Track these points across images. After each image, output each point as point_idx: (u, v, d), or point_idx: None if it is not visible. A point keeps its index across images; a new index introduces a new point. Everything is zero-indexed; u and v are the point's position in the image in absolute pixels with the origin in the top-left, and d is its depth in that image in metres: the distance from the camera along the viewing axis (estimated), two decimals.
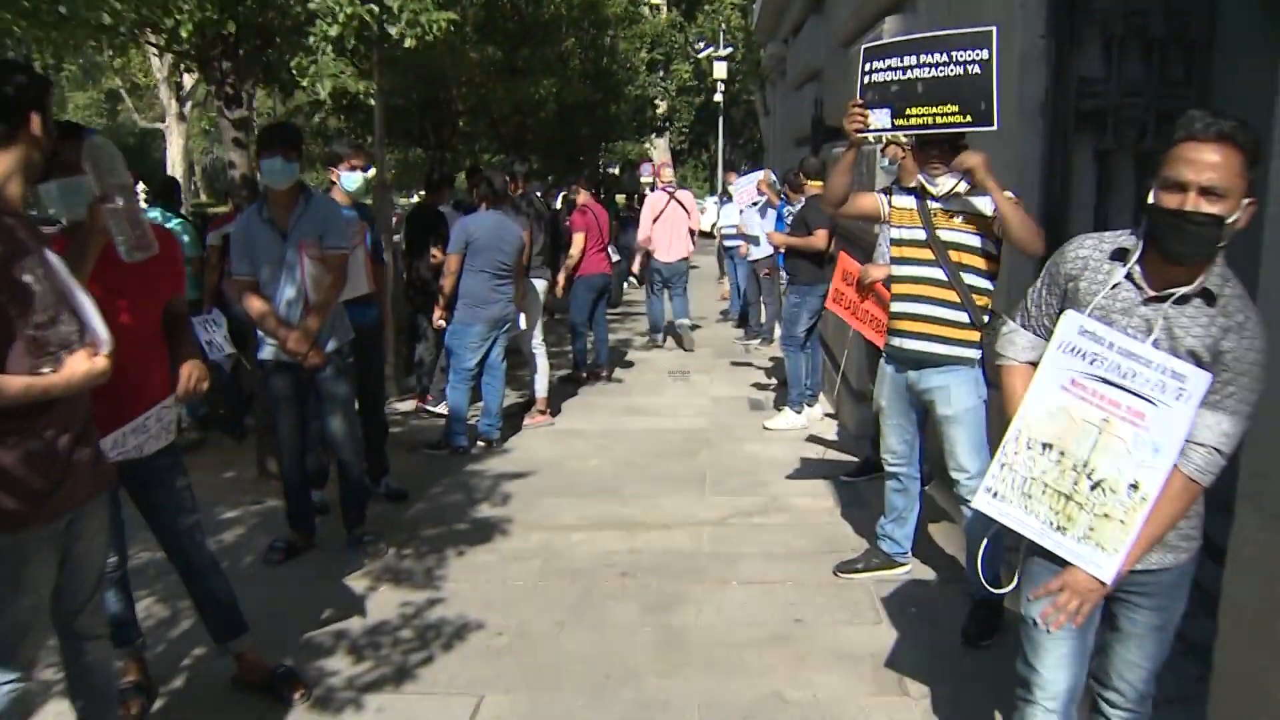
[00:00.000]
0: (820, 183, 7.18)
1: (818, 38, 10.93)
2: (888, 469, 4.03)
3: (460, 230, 6.53)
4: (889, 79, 3.55)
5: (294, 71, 5.41)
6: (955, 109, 3.42)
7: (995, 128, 3.39)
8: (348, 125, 10.09)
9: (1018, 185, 3.74)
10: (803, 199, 7.48)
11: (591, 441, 6.76)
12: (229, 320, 5.80)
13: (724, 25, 27.80)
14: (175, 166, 24.34)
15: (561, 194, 18.69)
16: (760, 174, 10.00)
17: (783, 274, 7.65)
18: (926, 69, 3.47)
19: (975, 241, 3.58)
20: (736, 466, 6.07)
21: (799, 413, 7.12)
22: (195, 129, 28.18)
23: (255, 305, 4.29)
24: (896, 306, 3.77)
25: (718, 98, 26.70)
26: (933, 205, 3.65)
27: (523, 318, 6.98)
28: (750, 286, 11.51)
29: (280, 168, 4.15)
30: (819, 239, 6.90)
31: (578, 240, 8.69)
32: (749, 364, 9.77)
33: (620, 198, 19.61)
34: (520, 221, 6.77)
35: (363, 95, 5.30)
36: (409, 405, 7.79)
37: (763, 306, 10.94)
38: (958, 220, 3.59)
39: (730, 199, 12.37)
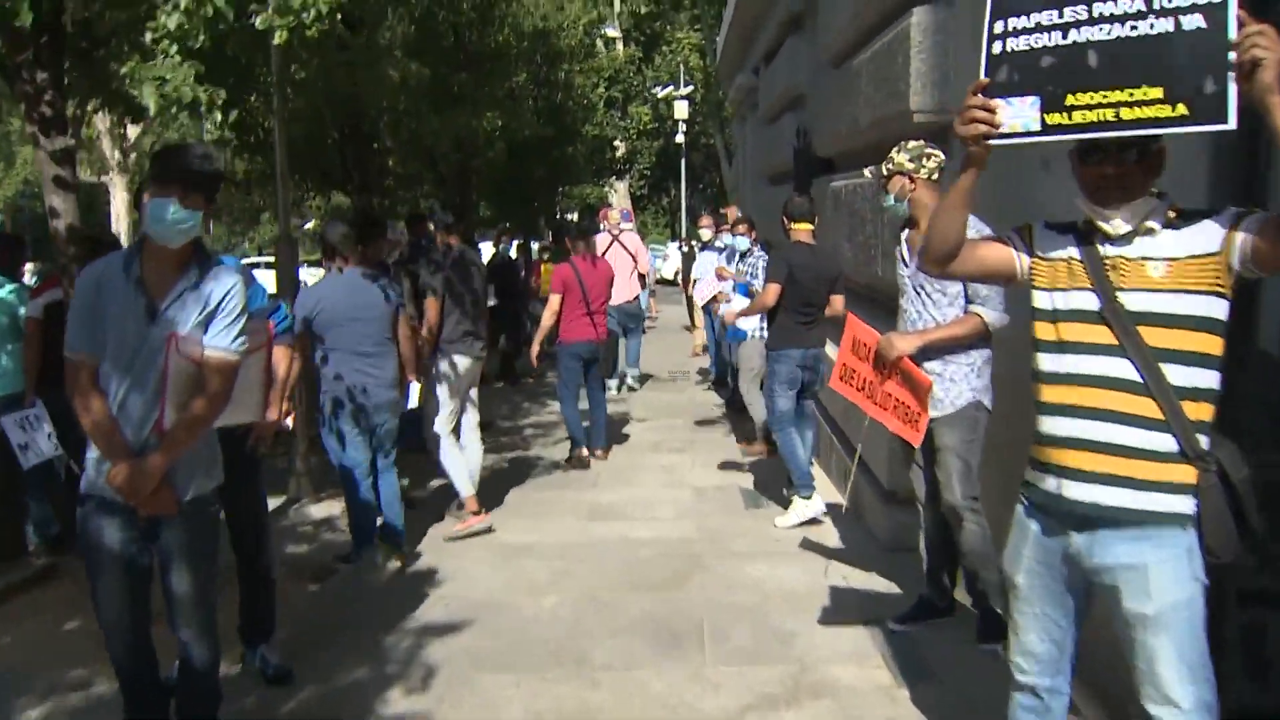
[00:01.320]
0: (808, 226, 5.82)
1: (798, 60, 9.61)
2: (1018, 677, 2.50)
3: (302, 303, 5.06)
4: (1037, 47, 2.10)
5: (130, 79, 3.86)
6: (1159, 93, 1.98)
7: (1231, 125, 1.94)
8: (253, 164, 8.52)
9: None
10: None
11: (546, 562, 5.19)
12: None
13: (683, 65, 26.73)
14: (120, 221, 22.56)
15: (516, 243, 17.30)
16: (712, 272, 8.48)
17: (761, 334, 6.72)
18: (1105, 27, 2.03)
19: (1189, 307, 2.12)
20: (741, 604, 4.52)
21: (808, 498, 5.79)
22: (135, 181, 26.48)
23: (88, 406, 2.77)
24: (1049, 424, 2.27)
25: (680, 139, 25.49)
26: (1108, 253, 2.19)
27: (440, 391, 5.49)
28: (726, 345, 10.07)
29: (174, 215, 2.71)
30: (766, 297, 5.81)
31: (553, 303, 7.34)
32: (733, 435, 8.34)
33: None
34: (389, 289, 5.19)
35: (207, 106, 3.73)
36: (325, 509, 6.18)
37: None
38: (1154, 274, 2.14)
39: (705, 246, 11.01)
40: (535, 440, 8.39)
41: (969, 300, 3.82)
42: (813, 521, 5.73)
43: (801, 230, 5.81)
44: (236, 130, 6.81)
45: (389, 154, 9.12)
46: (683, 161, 25.68)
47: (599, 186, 20.29)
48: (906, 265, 4.03)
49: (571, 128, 15.44)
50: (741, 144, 16.35)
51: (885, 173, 4.01)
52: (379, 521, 5.27)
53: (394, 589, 4.88)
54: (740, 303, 7.11)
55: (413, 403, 5.49)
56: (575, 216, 29.49)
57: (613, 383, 10.19)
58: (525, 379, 11.73)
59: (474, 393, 6.12)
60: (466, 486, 5.76)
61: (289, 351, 4.19)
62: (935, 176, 3.93)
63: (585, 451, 7.43)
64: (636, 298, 10.36)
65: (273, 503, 5.34)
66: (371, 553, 5.16)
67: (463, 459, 5.83)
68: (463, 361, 5.85)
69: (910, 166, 3.93)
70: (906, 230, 4.11)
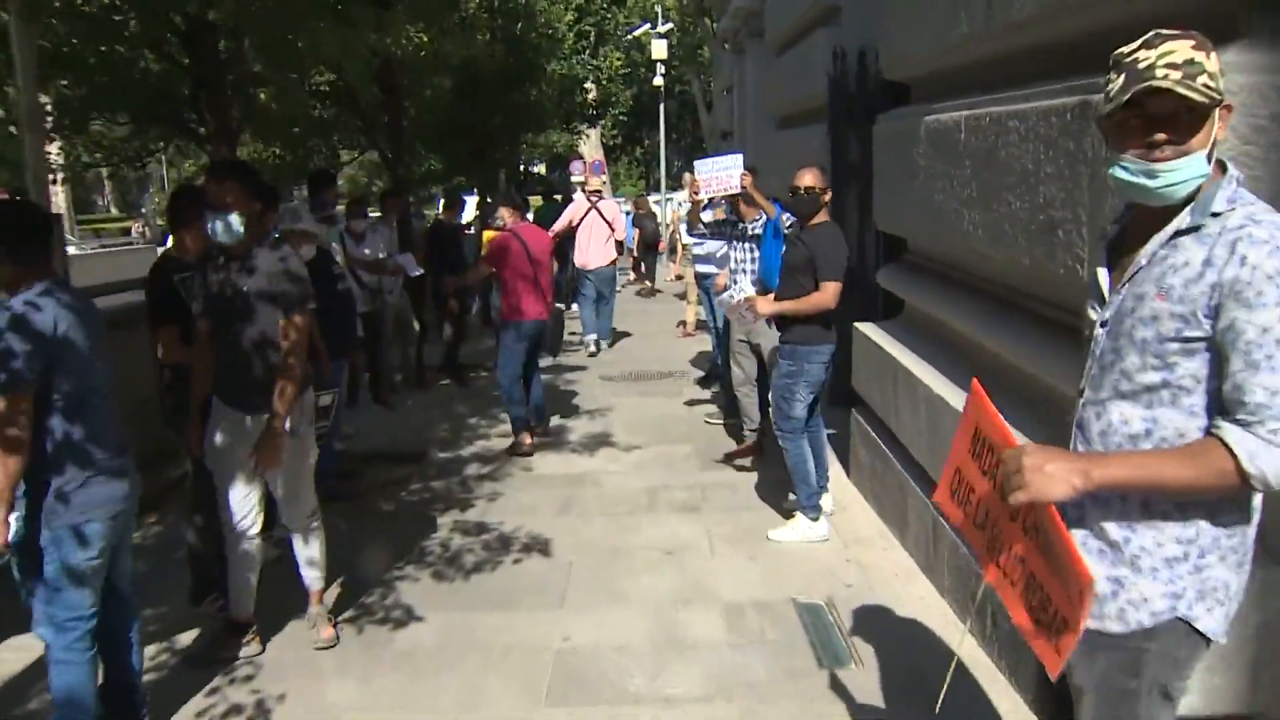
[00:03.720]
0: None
1: None
2: None
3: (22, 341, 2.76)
4: None
5: None
6: None
7: None
8: None
9: None
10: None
11: None
12: None
13: (659, 3, 23.94)
14: None
15: (473, 201, 14.71)
16: (736, 158, 6.04)
17: (765, 326, 5.47)
18: None
19: None
20: None
21: (815, 519, 4.96)
22: None
23: None
24: None
25: (658, 81, 22.75)
26: None
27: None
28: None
29: None
30: (826, 296, 4.78)
31: (478, 272, 7.28)
32: (744, 466, 5.96)
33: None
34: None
35: None
36: None
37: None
38: None
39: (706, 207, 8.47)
40: (483, 497, 5.93)
41: (1227, 406, 1.69)
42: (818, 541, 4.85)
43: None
44: None
45: (253, 84, 6.48)
46: (660, 107, 22.96)
47: (568, 133, 17.54)
48: (1107, 304, 1.85)
49: (534, 63, 12.79)
50: (738, 82, 13.75)
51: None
52: None
53: None
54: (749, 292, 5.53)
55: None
56: (542, 169, 26.80)
57: (591, 338, 10.37)
58: (474, 373, 9.26)
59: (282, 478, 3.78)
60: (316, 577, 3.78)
61: None
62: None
63: (528, 439, 6.66)
64: (613, 262, 10.48)
65: None
66: None
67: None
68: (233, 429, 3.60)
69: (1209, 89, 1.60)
70: (1116, 226, 1.92)
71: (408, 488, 6.04)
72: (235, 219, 3.46)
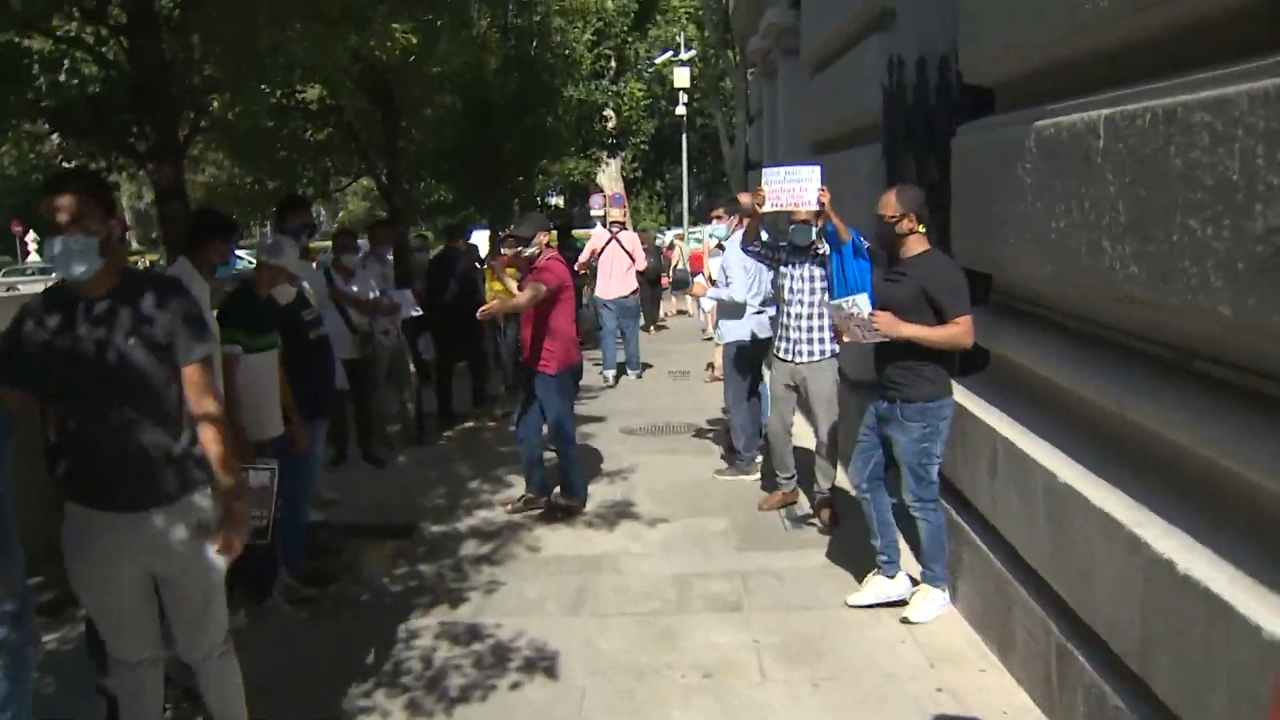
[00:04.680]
0: None
1: None
2: None
3: None
4: None
5: None
6: None
7: None
8: None
9: None
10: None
11: None
12: None
13: (682, 32, 23.20)
14: None
15: (481, 234, 13.84)
16: (814, 170, 5.14)
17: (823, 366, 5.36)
18: None
19: None
20: None
21: (894, 576, 4.40)
22: None
23: None
24: None
25: (680, 110, 21.91)
26: None
27: None
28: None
29: None
30: (962, 330, 3.96)
31: (536, 293, 5.52)
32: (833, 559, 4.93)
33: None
34: None
35: None
36: None
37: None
38: None
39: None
40: (479, 587, 4.94)
41: None
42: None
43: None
44: None
45: (199, 95, 5.54)
46: (683, 137, 22.09)
47: (585, 160, 16.63)
48: None
49: (551, 86, 11.93)
50: (768, 108, 12.86)
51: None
52: None
53: None
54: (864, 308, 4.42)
55: None
56: (560, 201, 25.98)
57: (610, 372, 10.29)
58: (487, 420, 8.33)
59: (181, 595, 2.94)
60: None
61: None
62: None
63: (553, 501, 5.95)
64: (634, 293, 10.48)
65: None
66: None
67: None
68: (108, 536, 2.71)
69: None
70: None
71: (391, 571, 5.06)
72: (86, 243, 2.51)
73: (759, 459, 6.51)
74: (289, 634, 4.29)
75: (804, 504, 5.76)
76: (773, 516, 5.66)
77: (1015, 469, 3.56)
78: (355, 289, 6.98)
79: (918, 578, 4.34)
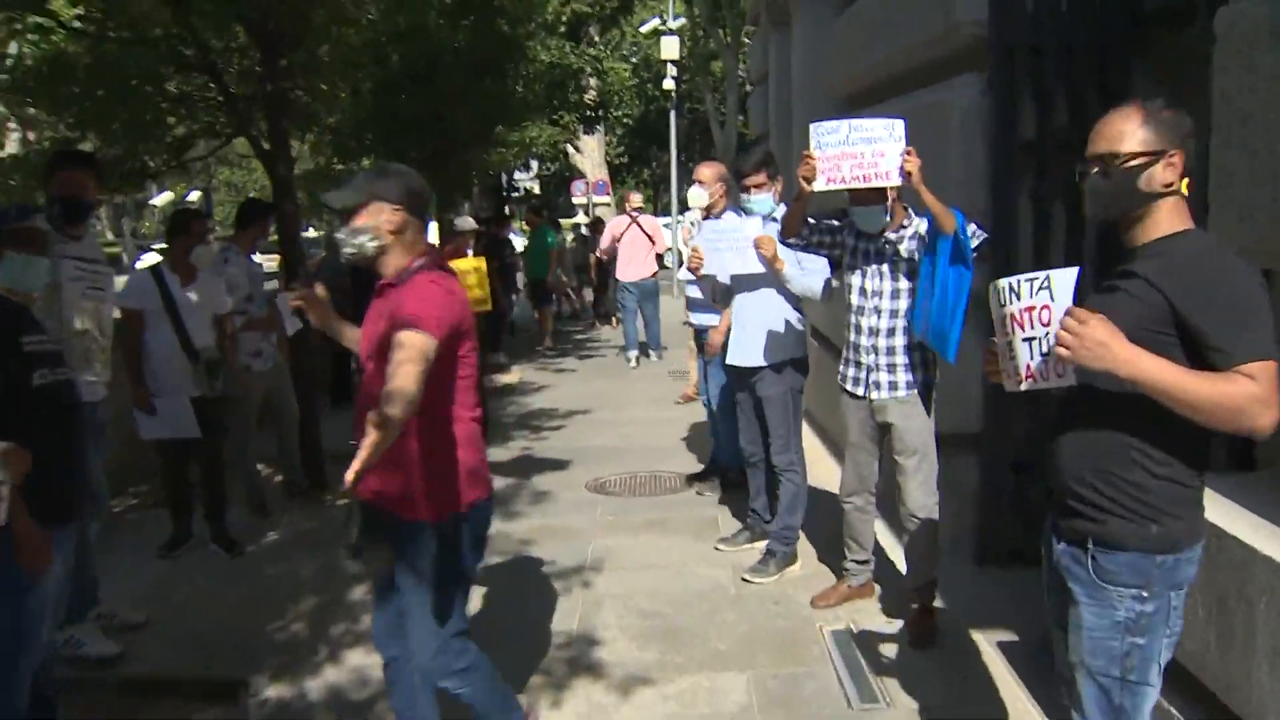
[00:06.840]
0: None
1: None
2: None
3: None
4: None
5: None
6: None
7: None
8: None
9: None
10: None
11: None
12: None
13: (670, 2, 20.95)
14: None
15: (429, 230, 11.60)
16: (895, 124, 3.15)
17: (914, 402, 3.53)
18: None
19: None
20: None
21: None
22: None
23: None
24: None
25: (668, 84, 19.62)
26: None
27: None
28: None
29: None
30: (1253, 391, 1.77)
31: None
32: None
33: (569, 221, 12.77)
34: None
35: None
36: None
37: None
38: None
39: (708, 216, 5.50)
40: None
41: None
42: None
43: None
44: None
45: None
46: (672, 115, 19.82)
47: (554, 126, 14.20)
48: None
49: (510, 39, 9.66)
50: (776, 67, 10.65)
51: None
52: None
53: None
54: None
55: None
56: (535, 186, 23.69)
57: (632, 353, 10.65)
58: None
59: None
60: None
61: None
62: None
63: None
64: (655, 274, 10.62)
65: None
66: None
67: None
68: None
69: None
70: None
71: None
72: None
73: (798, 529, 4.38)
74: None
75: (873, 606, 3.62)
76: (825, 666, 3.46)
77: None
78: (193, 297, 4.76)
79: None
